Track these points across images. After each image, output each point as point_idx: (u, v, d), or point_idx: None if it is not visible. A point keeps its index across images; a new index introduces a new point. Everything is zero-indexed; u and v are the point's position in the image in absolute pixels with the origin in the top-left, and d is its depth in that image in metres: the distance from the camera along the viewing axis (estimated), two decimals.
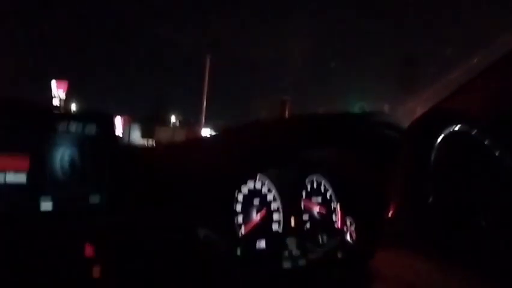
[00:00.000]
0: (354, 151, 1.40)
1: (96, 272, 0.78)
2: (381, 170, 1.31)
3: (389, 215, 0.89)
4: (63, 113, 0.96)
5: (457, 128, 0.97)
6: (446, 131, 0.95)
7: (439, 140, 0.92)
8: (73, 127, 0.95)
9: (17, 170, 0.85)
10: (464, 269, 0.82)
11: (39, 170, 0.88)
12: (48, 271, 0.76)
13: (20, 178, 0.85)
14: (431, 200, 0.86)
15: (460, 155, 0.98)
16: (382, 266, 0.84)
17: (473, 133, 1.00)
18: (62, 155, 0.92)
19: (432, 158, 0.90)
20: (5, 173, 0.84)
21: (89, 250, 0.79)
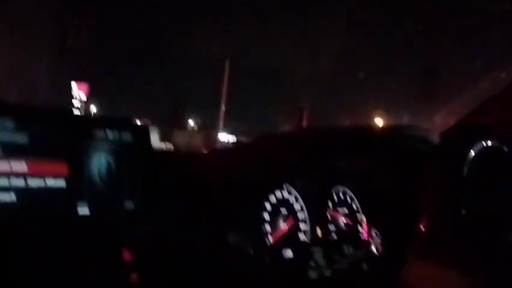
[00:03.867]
0: (380, 163, 1.40)
1: (134, 277, 0.80)
2: (409, 182, 1.31)
3: (421, 227, 0.89)
4: (100, 120, 0.98)
5: (489, 143, 0.97)
6: (479, 145, 0.95)
7: (472, 153, 0.92)
8: (110, 134, 0.97)
9: (56, 175, 0.87)
10: (495, 281, 0.82)
11: (77, 176, 0.90)
12: (86, 274, 0.78)
13: (59, 183, 0.88)
14: (463, 212, 0.87)
15: (492, 169, 0.98)
16: (413, 277, 0.85)
17: (505, 148, 1.00)
18: (99, 161, 0.94)
19: (465, 171, 0.91)
20: (45, 178, 0.86)
21: (126, 255, 0.81)
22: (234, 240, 1.01)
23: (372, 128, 1.25)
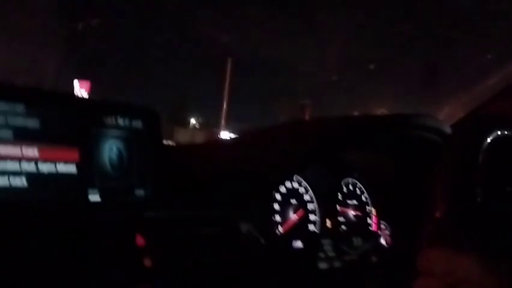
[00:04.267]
0: (390, 154, 1.39)
1: (147, 261, 0.79)
2: (419, 173, 1.30)
3: (435, 215, 0.88)
4: (111, 106, 0.97)
5: (504, 132, 0.96)
6: (494, 134, 0.94)
7: (487, 141, 0.92)
8: (120, 121, 0.96)
9: (67, 161, 0.86)
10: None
11: (88, 162, 0.89)
12: (98, 259, 0.77)
13: (70, 169, 0.87)
14: (479, 200, 0.86)
15: (506, 157, 0.97)
16: (428, 263, 0.83)
17: None
18: (110, 148, 0.93)
19: (480, 159, 0.90)
20: (56, 163, 0.85)
21: (139, 240, 0.80)
22: (245, 228, 1.00)
23: (383, 117, 1.23)
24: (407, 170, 1.36)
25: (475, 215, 0.85)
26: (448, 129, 1.16)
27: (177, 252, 0.85)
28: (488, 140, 0.92)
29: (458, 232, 0.84)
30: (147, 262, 0.79)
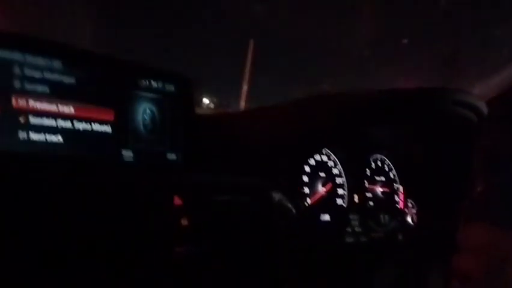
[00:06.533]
0: (420, 131, 1.36)
1: (184, 220, 0.79)
2: (451, 149, 1.27)
3: (474, 191, 0.86)
4: (145, 69, 0.96)
5: None
6: None
7: None
8: (154, 84, 0.95)
9: (102, 120, 0.86)
10: None
11: (123, 123, 0.89)
12: (137, 217, 0.77)
13: (105, 128, 0.86)
14: None
15: None
16: (467, 240, 0.82)
17: None
18: (144, 110, 0.93)
19: None
20: (91, 122, 0.85)
21: (177, 200, 0.80)
22: (277, 197, 0.99)
23: (419, 90, 1.19)
24: (438, 147, 1.34)
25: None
26: (483, 106, 1.13)
27: (214, 214, 0.85)
28: None
29: (497, 207, 0.82)
30: (184, 221, 0.79)
